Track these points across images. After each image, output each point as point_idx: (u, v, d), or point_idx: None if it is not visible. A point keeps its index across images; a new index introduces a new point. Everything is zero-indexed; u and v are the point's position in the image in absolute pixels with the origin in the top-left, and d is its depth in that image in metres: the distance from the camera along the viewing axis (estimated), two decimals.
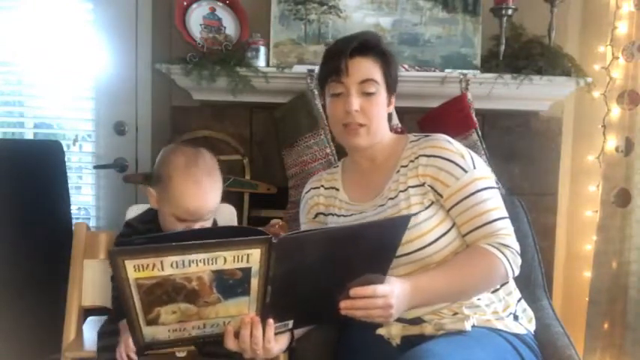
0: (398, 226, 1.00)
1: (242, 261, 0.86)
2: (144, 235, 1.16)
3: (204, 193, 1.14)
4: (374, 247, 0.96)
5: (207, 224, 1.20)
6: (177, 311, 0.89)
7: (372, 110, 1.18)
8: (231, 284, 0.88)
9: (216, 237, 0.84)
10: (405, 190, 1.17)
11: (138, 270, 0.82)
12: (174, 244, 0.83)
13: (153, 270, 0.83)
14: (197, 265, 0.84)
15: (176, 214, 1.15)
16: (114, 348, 1.13)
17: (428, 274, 1.10)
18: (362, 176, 1.28)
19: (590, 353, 2.04)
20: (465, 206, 1.13)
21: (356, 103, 1.16)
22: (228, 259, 0.85)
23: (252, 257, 0.86)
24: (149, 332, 0.91)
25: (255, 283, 0.89)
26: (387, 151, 1.25)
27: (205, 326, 0.93)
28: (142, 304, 0.86)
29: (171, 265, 0.83)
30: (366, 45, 1.18)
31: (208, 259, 0.84)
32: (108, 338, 1.16)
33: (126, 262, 0.81)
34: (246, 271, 0.87)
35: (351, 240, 0.94)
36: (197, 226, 1.16)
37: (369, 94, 1.17)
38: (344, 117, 1.18)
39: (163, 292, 0.86)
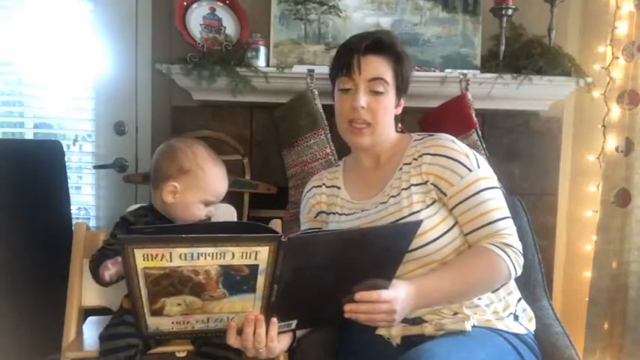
0: (408, 231, 1.00)
1: (250, 258, 0.86)
2: (139, 226, 1.19)
3: (225, 175, 1.32)
4: (381, 251, 0.96)
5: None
6: (182, 303, 0.89)
7: (378, 109, 1.18)
8: (237, 280, 0.88)
9: (225, 232, 0.85)
10: (408, 187, 1.17)
11: (146, 259, 0.83)
12: (184, 235, 0.83)
13: (161, 260, 0.83)
14: (205, 259, 0.85)
15: (206, 199, 1.27)
16: (116, 351, 1.13)
17: (432, 277, 1.09)
18: (364, 174, 1.28)
19: (590, 353, 2.03)
20: (468, 205, 1.13)
21: (363, 99, 1.17)
22: (236, 255, 0.85)
23: (260, 255, 0.86)
24: (153, 322, 0.91)
25: (261, 280, 0.89)
26: (391, 150, 1.26)
27: (209, 321, 0.94)
28: (148, 294, 0.87)
29: (180, 257, 0.83)
30: (380, 44, 1.18)
31: (217, 254, 0.84)
32: (110, 341, 1.16)
33: (135, 250, 0.82)
34: (254, 269, 0.88)
35: (359, 243, 0.94)
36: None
37: (377, 93, 1.18)
38: (350, 113, 1.19)
39: (170, 284, 0.86)
